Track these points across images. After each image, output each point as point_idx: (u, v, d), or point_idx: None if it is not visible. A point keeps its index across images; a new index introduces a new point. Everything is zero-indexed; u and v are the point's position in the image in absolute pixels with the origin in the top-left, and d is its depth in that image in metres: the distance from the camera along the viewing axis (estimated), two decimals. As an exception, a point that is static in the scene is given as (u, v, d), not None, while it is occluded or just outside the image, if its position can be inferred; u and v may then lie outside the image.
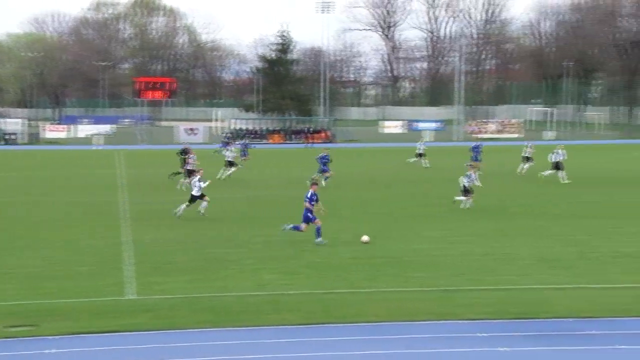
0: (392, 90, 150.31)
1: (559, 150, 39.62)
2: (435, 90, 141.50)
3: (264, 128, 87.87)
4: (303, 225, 22.76)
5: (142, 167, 51.09)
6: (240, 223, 27.13)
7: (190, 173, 35.45)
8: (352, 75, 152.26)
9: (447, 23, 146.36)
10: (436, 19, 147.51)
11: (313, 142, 77.13)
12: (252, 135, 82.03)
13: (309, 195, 22.77)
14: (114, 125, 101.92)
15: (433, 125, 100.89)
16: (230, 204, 32.32)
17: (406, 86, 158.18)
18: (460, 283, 18.12)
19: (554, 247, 22.31)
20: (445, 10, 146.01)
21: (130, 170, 48.41)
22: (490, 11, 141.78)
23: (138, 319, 15.34)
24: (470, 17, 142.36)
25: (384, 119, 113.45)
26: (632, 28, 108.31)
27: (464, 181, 30.12)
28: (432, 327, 14.86)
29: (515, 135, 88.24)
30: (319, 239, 22.57)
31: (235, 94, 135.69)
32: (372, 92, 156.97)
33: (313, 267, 19.92)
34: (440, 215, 28.64)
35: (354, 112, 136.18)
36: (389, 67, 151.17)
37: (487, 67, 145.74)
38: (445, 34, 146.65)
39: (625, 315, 15.38)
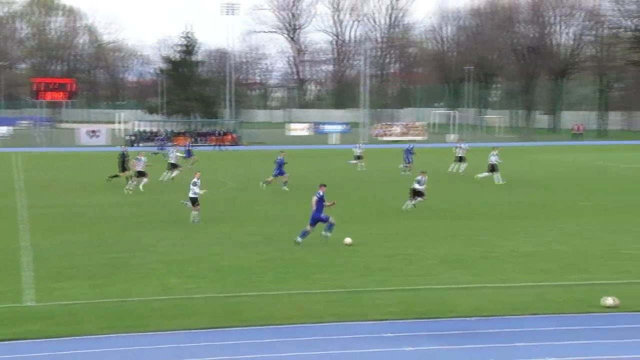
0: (298, 93, 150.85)
1: (495, 153, 40.61)
2: (341, 93, 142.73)
3: (169, 130, 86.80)
4: (309, 227, 23.07)
5: (42, 170, 49.70)
6: (145, 226, 26.70)
7: (140, 174, 36.64)
8: (258, 78, 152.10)
9: (351, 27, 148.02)
10: (341, 22, 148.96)
11: (223, 145, 76.69)
12: (156, 138, 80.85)
13: (321, 196, 22.95)
14: (11, 127, 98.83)
15: (339, 127, 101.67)
16: (135, 207, 31.77)
17: (312, 89, 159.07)
18: (366, 284, 18.29)
19: (457, 247, 22.78)
20: (350, 14, 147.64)
21: (29, 174, 47.03)
22: (393, 16, 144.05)
23: (36, 326, 14.91)
24: (375, 21, 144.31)
25: (291, 122, 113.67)
26: (529, 34, 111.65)
27: (415, 185, 30.44)
28: (338, 328, 14.96)
29: (420, 138, 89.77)
30: (328, 233, 23.06)
31: (139, 96, 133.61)
32: (278, 94, 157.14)
33: (220, 270, 19.77)
34: (345, 217, 28.86)
35: (260, 115, 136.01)
36: (295, 70, 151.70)
37: (392, 71, 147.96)
38: (350, 37, 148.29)
39: (524, 314, 15.82)
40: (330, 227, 23.19)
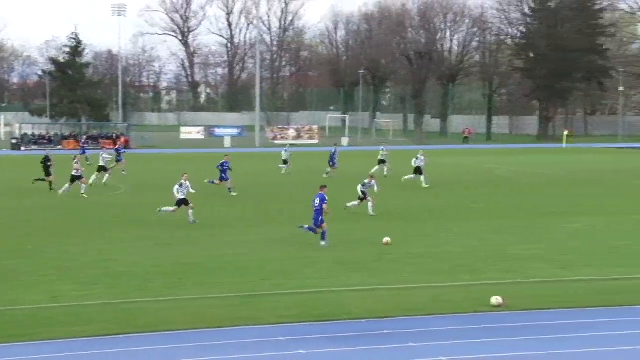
0: (193, 96, 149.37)
1: (422, 156, 41.28)
2: (237, 96, 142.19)
3: (58, 133, 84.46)
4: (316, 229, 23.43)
5: None
6: (33, 233, 25.92)
7: (77, 179, 36.04)
8: (151, 80, 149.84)
9: (247, 29, 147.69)
10: (236, 25, 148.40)
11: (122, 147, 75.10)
12: (46, 141, 78.58)
13: (325, 199, 23.32)
14: None
15: (235, 131, 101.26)
16: (22, 212, 30.80)
17: (208, 92, 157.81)
18: (263, 288, 18.29)
19: (354, 249, 23.03)
20: (245, 17, 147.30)
21: None
22: (289, 19, 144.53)
23: None
24: (270, 25, 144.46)
25: (186, 125, 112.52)
26: (421, 39, 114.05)
27: (360, 187, 30.61)
28: (236, 332, 14.90)
29: (316, 141, 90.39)
30: (326, 242, 23.26)
31: (26, 98, 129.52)
32: (172, 97, 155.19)
33: (113, 276, 19.39)
34: (241, 221, 28.78)
35: (155, 118, 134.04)
36: (189, 73, 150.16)
37: (288, 74, 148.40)
38: (245, 40, 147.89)
39: (418, 314, 16.15)
40: (320, 238, 23.48)
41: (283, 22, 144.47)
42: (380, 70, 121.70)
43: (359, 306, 16.67)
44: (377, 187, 31.58)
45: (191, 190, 28.21)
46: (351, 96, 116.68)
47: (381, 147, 49.51)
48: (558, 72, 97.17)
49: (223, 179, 37.28)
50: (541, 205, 33.53)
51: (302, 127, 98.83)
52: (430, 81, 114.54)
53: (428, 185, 40.25)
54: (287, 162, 50.11)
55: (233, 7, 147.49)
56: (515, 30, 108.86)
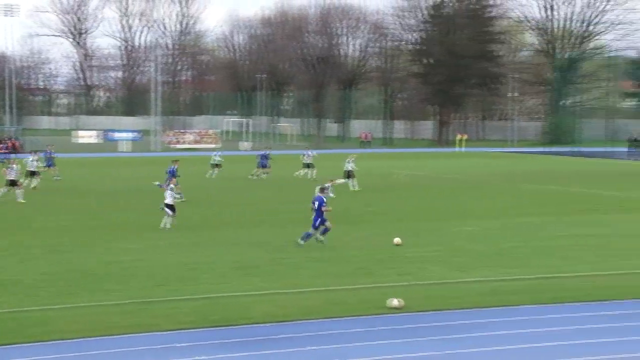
0: (85, 99, 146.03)
1: (351, 159, 41.78)
2: (132, 100, 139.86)
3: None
4: (312, 230, 23.75)
5: None
6: None
7: (13, 183, 35.15)
8: (41, 83, 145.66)
9: (141, 32, 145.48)
10: (130, 27, 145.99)
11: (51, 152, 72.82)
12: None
13: (323, 199, 23.65)
14: None
15: (130, 135, 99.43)
16: None
17: (101, 95, 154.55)
18: (159, 294, 18.02)
19: (251, 254, 22.96)
20: (139, 20, 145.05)
21: None
22: (184, 22, 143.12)
23: None
24: (165, 28, 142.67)
25: (78, 129, 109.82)
26: (318, 44, 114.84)
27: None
28: (131, 340, 14.62)
29: (213, 146, 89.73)
30: (302, 242, 23.68)
31: None
32: (64, 100, 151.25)
33: (0, 285, 18.71)
34: (142, 227, 28.30)
35: (45, 121, 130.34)
36: (81, 76, 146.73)
37: (184, 78, 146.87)
38: (140, 43, 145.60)
39: (316, 317, 16.23)
40: (319, 232, 23.83)
41: (178, 26, 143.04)
42: (278, 75, 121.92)
43: (257, 310, 16.63)
44: (331, 194, 30.86)
45: (176, 197, 27.69)
46: (249, 100, 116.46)
47: (306, 152, 50.16)
48: (451, 78, 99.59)
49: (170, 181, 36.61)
50: (437, 208, 34.26)
51: (198, 131, 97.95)
52: (328, 86, 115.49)
53: (357, 189, 40.53)
54: (216, 165, 49.90)
55: (127, 10, 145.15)
56: (410, 37, 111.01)
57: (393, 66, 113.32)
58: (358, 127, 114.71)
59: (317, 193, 24.66)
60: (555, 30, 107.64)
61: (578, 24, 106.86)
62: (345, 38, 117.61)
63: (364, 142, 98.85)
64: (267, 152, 49.72)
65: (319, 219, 23.77)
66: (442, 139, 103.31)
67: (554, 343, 14.33)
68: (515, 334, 14.94)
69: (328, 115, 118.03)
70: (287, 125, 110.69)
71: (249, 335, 14.96)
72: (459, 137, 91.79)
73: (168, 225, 27.19)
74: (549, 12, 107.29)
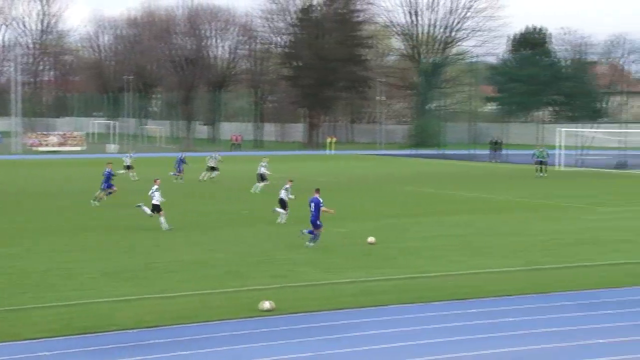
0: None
1: (264, 162, 42.18)
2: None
3: None
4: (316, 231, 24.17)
5: None
6: None
7: None
8: None
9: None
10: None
11: None
12: None
13: (319, 201, 24.16)
14: None
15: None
16: None
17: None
18: (22, 302, 17.33)
19: (120, 259, 22.44)
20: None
21: None
22: (45, 21, 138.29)
23: None
24: (25, 26, 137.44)
25: None
26: (186, 46, 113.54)
27: (282, 194, 29.45)
28: (-10, 351, 13.99)
29: (78, 148, 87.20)
30: (312, 244, 24.14)
31: None
32: None
33: None
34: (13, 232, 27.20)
35: None
36: None
37: (46, 78, 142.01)
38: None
39: (187, 322, 16.01)
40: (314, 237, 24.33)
41: (39, 25, 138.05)
42: (146, 76, 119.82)
43: (125, 317, 16.25)
44: (291, 196, 30.07)
45: (160, 198, 27.98)
46: (115, 102, 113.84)
47: (210, 154, 51.08)
48: (320, 81, 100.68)
49: (108, 187, 35.43)
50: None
51: (63, 133, 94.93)
52: (197, 88, 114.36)
53: (258, 192, 40.60)
54: (128, 167, 49.27)
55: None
56: (279, 39, 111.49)
57: (263, 68, 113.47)
58: (228, 129, 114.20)
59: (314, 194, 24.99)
60: (420, 35, 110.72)
61: (441, 30, 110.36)
62: (214, 40, 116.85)
63: (235, 145, 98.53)
64: (183, 155, 50.43)
65: (318, 221, 24.28)
66: (312, 142, 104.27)
67: (421, 342, 14.68)
68: (384, 333, 15.22)
69: (198, 118, 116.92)
70: (156, 128, 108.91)
71: (116, 342, 14.60)
72: (329, 139, 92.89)
73: (166, 226, 27.61)
74: (413, 17, 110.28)
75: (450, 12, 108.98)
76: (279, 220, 29.52)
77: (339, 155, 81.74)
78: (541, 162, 52.68)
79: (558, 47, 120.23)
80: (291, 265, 21.90)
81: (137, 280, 19.81)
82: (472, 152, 76.16)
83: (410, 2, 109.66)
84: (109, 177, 35.43)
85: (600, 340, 14.57)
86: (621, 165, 59.19)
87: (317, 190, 25.23)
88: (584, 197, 38.95)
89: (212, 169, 48.16)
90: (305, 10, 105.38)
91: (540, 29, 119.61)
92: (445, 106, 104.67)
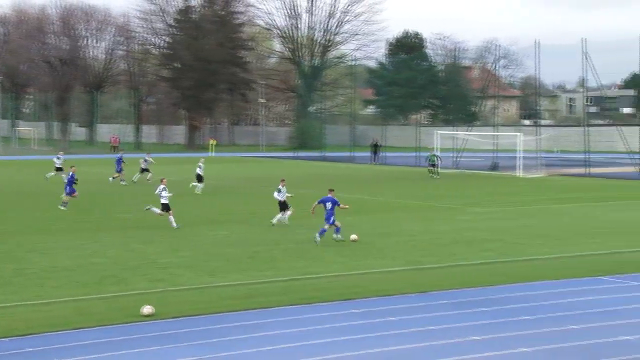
0: None
1: (201, 164, 43.01)
2: None
3: None
4: (327, 226, 25.40)
5: None
6: None
7: None
8: None
9: None
10: None
11: None
12: None
13: (334, 199, 25.64)
14: None
15: None
16: None
17: None
18: None
19: (-11, 266, 21.54)
20: None
21: None
22: None
23: None
24: None
25: None
26: (61, 46, 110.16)
27: (277, 196, 29.30)
28: None
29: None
30: (319, 238, 25.38)
31: None
32: None
33: None
34: None
35: None
36: None
37: None
38: None
39: (64, 329, 15.49)
40: (332, 231, 25.60)
41: None
42: (17, 76, 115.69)
43: (-3, 326, 15.57)
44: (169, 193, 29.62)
45: (167, 195, 28.91)
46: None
47: (142, 155, 51.73)
48: (200, 83, 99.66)
49: (70, 192, 34.44)
50: (190, 213, 34.09)
51: None
52: (73, 89, 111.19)
53: (199, 192, 41.18)
54: (58, 169, 48.78)
55: None
56: (158, 40, 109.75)
57: (142, 69, 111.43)
58: (106, 131, 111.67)
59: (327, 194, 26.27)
60: (300, 38, 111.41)
61: (320, 34, 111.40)
62: (90, 40, 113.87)
63: (113, 147, 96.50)
64: (121, 155, 50.59)
65: (333, 217, 25.45)
66: (193, 144, 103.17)
67: (305, 342, 14.70)
68: (267, 335, 15.16)
69: (74, 119, 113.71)
70: (29, 129, 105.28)
71: (-12, 353, 13.96)
72: (210, 141, 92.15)
73: (174, 224, 28.54)
74: (293, 20, 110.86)
75: (329, 16, 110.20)
76: (275, 221, 29.56)
77: (221, 158, 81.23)
78: (432, 165, 54.90)
79: (433, 52, 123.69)
80: (172, 269, 21.56)
81: (7, 287, 19.03)
82: (353, 154, 77.18)
83: (290, 5, 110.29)
84: (71, 182, 34.68)
85: (475, 338, 14.97)
86: (494, 167, 61.28)
87: (331, 190, 26.38)
88: (459, 198, 40.06)
89: (144, 170, 48.75)
90: (184, 11, 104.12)
91: (417, 34, 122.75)
92: (326, 109, 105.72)
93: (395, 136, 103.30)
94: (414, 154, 71.22)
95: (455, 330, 15.50)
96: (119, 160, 48.86)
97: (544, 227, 29.93)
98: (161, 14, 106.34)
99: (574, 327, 15.70)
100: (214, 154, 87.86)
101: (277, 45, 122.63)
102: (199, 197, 41.07)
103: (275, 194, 29.89)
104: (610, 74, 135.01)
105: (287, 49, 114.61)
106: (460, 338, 14.94)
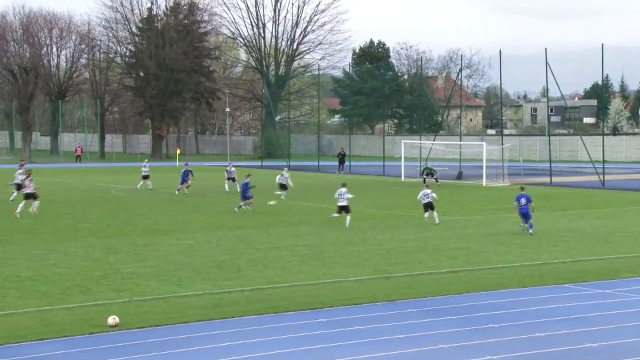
0: None
1: (145, 164, 46.22)
2: None
3: None
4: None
5: None
6: None
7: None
8: None
9: None
10: None
11: None
12: None
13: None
14: None
15: None
16: None
17: None
18: None
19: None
20: None
21: None
22: None
23: None
24: None
25: None
26: (23, 53, 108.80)
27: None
28: None
29: None
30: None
31: None
32: None
33: None
34: None
35: None
36: None
37: None
38: None
39: (25, 341, 15.29)
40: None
41: None
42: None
43: (-41, 338, 15.30)
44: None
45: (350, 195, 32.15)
46: None
47: (142, 164, 52.84)
48: (165, 92, 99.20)
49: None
50: (155, 223, 33.87)
51: None
52: (35, 97, 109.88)
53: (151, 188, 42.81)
54: (145, 177, 50.59)
55: None
56: (122, 49, 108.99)
57: (106, 78, 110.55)
58: (70, 140, 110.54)
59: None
60: (266, 47, 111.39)
61: (286, 43, 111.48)
62: (52, 48, 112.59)
63: (78, 156, 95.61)
64: (188, 168, 51.43)
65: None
66: (158, 153, 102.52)
67: (272, 352, 14.65)
68: (233, 345, 15.08)
69: (37, 129, 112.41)
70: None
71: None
72: (177, 151, 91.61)
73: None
74: (258, 30, 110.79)
75: (294, 25, 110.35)
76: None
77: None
78: (429, 175, 55.02)
79: (398, 62, 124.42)
80: (138, 278, 21.38)
81: (-29, 298, 18.73)
82: (319, 163, 77.26)
83: (255, 15, 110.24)
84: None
85: (443, 346, 15.04)
86: (459, 176, 61.68)
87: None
88: (420, 209, 40.16)
89: (145, 177, 50.29)
90: (148, 20, 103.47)
91: (382, 43, 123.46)
92: (292, 118, 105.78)
93: (361, 145, 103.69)
94: (380, 163, 71.47)
95: (423, 338, 15.55)
96: (187, 172, 48.25)
97: (508, 235, 30.17)
98: (125, 22, 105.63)
99: (539, 334, 15.84)
100: (180, 163, 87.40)
101: (242, 54, 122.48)
102: (163, 206, 40.80)
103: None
104: (572, 85, 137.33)
105: (253, 58, 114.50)
106: (428, 346, 15.00)
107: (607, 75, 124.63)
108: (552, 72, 58.52)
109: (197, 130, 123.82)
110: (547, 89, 68.97)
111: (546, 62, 58.50)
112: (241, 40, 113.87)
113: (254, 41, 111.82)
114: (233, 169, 51.53)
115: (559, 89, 62.07)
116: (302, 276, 21.91)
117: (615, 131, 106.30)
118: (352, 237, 29.42)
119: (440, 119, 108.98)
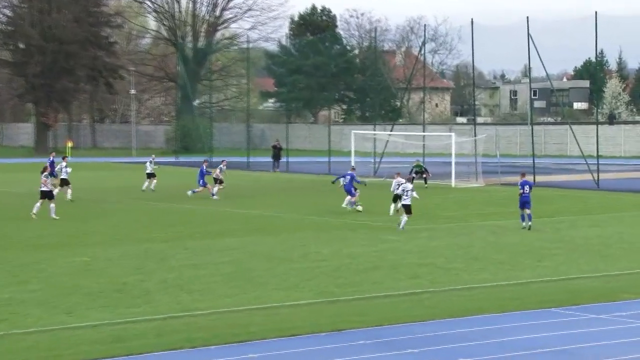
0: None
1: (64, 165, 46.25)
2: None
3: None
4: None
5: None
6: None
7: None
8: None
9: None
10: None
11: None
12: None
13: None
14: None
15: None
16: None
17: None
18: None
19: None
20: None
21: None
22: None
23: None
24: None
25: None
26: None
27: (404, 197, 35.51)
28: None
29: None
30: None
31: None
32: None
33: None
34: None
35: None
36: None
37: None
38: None
39: None
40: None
41: None
42: None
43: None
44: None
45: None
46: None
47: (147, 159, 54.42)
48: (52, 69, 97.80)
49: None
50: (38, 234, 33.43)
51: None
52: None
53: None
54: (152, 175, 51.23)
55: None
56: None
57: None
58: None
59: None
60: (181, 14, 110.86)
61: (207, 8, 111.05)
62: None
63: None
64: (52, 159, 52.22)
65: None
66: (44, 146, 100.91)
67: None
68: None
69: None
70: None
71: None
72: (68, 144, 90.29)
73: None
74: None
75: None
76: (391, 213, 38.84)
77: (80, 164, 79.93)
78: (419, 174, 54.97)
79: (347, 33, 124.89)
80: (14, 305, 21.09)
81: None
82: (249, 159, 77.17)
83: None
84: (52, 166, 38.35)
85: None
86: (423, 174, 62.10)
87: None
88: (380, 214, 40.39)
89: (151, 175, 51.69)
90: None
91: (326, 10, 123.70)
92: (215, 103, 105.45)
93: (301, 137, 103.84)
94: (324, 158, 71.63)
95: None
96: (52, 164, 47.97)
97: (483, 248, 30.50)
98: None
99: (520, 370, 16.02)
100: (70, 158, 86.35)
101: (151, 22, 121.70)
102: (43, 212, 40.33)
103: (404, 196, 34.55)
104: (559, 62, 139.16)
105: (165, 28, 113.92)
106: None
107: (601, 51, 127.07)
108: (535, 46, 59.44)
109: (94, 118, 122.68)
110: (530, 68, 69.89)
111: (528, 34, 59.38)
112: (149, 4, 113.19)
113: (165, 5, 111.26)
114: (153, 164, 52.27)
115: (544, 67, 63.04)
116: (227, 301, 21.83)
117: (611, 119, 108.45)
118: (289, 252, 29.43)
119: (399, 104, 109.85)
